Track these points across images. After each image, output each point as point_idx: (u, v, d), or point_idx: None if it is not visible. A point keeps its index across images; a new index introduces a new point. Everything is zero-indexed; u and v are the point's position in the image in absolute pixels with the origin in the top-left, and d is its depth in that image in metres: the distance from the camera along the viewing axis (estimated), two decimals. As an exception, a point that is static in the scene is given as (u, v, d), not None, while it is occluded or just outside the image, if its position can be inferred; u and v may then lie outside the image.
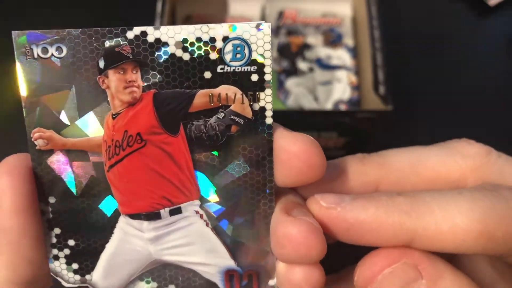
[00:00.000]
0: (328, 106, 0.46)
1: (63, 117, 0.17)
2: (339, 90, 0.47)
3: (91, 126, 0.17)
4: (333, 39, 0.49)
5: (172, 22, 0.49)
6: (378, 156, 0.20)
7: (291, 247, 0.17)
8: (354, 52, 0.48)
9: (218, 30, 0.16)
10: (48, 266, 0.18)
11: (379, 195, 0.17)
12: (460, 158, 0.19)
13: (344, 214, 0.17)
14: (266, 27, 0.16)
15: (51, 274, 0.18)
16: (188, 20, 0.50)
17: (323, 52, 0.48)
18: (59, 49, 0.16)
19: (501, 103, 0.52)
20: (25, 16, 0.56)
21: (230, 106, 0.17)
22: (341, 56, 0.48)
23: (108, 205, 0.18)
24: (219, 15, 0.50)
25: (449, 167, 0.18)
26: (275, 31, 0.49)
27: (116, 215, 0.18)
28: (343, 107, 0.46)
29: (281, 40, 0.49)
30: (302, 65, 0.48)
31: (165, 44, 0.16)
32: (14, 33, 0.16)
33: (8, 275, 0.17)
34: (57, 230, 0.18)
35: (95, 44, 0.16)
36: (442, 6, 0.56)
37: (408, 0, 0.56)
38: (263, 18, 0.49)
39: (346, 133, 0.43)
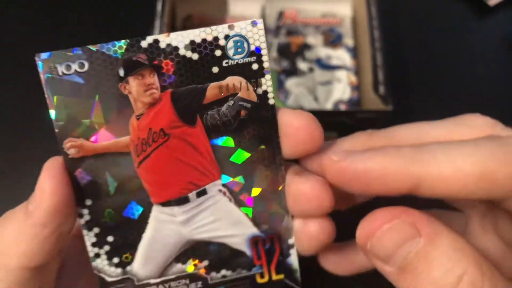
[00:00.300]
0: (328, 106, 0.46)
1: (91, 125, 0.19)
2: (339, 90, 0.47)
3: (118, 129, 0.19)
4: (333, 39, 0.49)
5: (172, 22, 0.49)
6: (386, 131, 0.22)
7: (305, 200, 0.20)
8: (354, 52, 0.48)
9: (219, 31, 0.19)
10: (62, 253, 0.20)
11: (387, 147, 0.18)
12: (466, 129, 0.20)
13: (353, 164, 0.18)
14: (260, 23, 0.19)
15: (94, 272, 0.20)
16: (188, 20, 0.50)
17: (323, 52, 0.48)
18: (80, 65, 0.18)
19: (501, 103, 0.52)
20: (29, 16, 0.55)
21: (237, 94, 0.19)
22: (341, 56, 0.48)
23: (141, 198, 0.20)
24: (219, 15, 0.50)
25: (454, 137, 0.19)
26: (275, 31, 0.49)
27: (149, 206, 0.20)
28: (343, 107, 0.46)
29: (281, 40, 0.49)
30: (302, 65, 0.48)
31: (176, 48, 0.19)
32: (38, 55, 0.18)
33: (22, 262, 0.18)
34: (96, 230, 0.20)
35: (113, 56, 0.18)
36: (441, 6, 0.56)
37: (407, 0, 0.56)
38: (263, 18, 0.49)
39: (346, 133, 0.43)
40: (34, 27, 0.55)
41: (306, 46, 0.50)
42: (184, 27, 0.50)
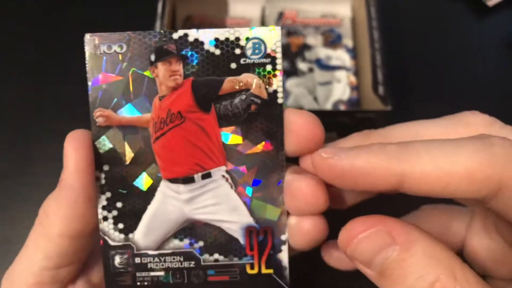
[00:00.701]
0: (328, 106, 0.46)
1: (121, 99, 0.22)
2: (338, 91, 0.47)
3: (143, 106, 0.22)
4: (332, 39, 0.49)
5: (173, 22, 0.50)
6: (382, 130, 0.23)
7: (301, 197, 0.21)
8: (354, 52, 0.49)
9: (241, 32, 0.22)
10: (94, 225, 0.22)
11: (373, 145, 0.19)
12: (462, 127, 0.21)
13: (340, 161, 0.19)
14: (277, 29, 0.22)
15: (100, 233, 0.22)
16: (188, 20, 0.50)
17: (322, 52, 0.49)
18: (120, 46, 0.21)
19: (500, 103, 0.53)
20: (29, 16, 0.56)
21: (250, 89, 0.22)
22: (340, 56, 0.49)
23: (152, 172, 0.22)
24: (219, 16, 0.50)
25: (450, 136, 0.20)
26: (275, 32, 0.49)
27: (158, 180, 0.22)
28: (342, 107, 0.46)
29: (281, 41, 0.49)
30: (301, 65, 0.48)
31: (202, 42, 0.21)
32: (87, 35, 0.22)
33: (61, 228, 0.21)
34: (108, 194, 0.22)
35: (148, 43, 0.21)
36: (441, 7, 0.57)
37: (407, 1, 0.57)
38: (263, 18, 0.50)
39: (345, 133, 0.43)
40: (35, 26, 0.56)
41: (305, 47, 0.50)
42: (184, 28, 0.50)
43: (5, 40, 0.54)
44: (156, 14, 0.44)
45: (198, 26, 0.51)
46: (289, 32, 0.51)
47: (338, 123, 0.41)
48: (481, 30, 0.56)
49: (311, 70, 0.49)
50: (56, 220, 0.21)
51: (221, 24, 0.51)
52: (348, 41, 0.51)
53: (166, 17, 0.44)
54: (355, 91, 0.48)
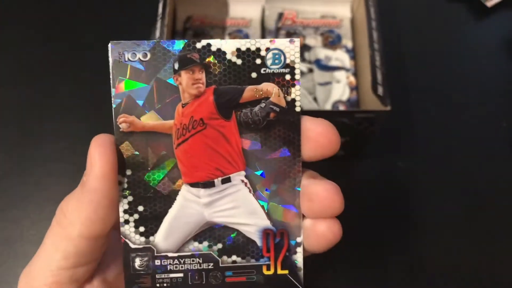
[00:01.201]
0: (327, 106, 0.47)
1: (144, 106, 0.22)
2: (338, 91, 0.48)
3: (165, 113, 0.23)
4: (332, 40, 0.49)
5: (173, 23, 0.50)
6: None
7: (319, 201, 0.22)
8: (353, 53, 0.49)
9: (262, 43, 0.22)
10: (112, 226, 0.23)
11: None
12: None
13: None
14: (297, 41, 0.23)
15: (121, 236, 0.23)
16: (189, 21, 0.50)
17: (322, 53, 0.49)
18: (144, 55, 0.22)
19: (499, 103, 0.53)
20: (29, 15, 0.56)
21: (269, 98, 0.23)
22: (340, 57, 0.49)
23: (173, 176, 0.23)
24: (219, 16, 0.51)
25: None
26: (275, 32, 0.50)
27: (179, 184, 0.23)
28: (342, 108, 0.46)
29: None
30: (301, 66, 0.48)
31: (224, 52, 0.22)
32: (111, 43, 0.22)
33: (81, 229, 0.21)
34: (130, 198, 0.23)
35: (171, 52, 0.22)
36: (440, 8, 0.57)
37: (406, 2, 0.57)
38: (263, 19, 0.50)
39: (345, 133, 0.44)
40: (35, 26, 0.56)
41: (305, 47, 0.51)
42: (185, 28, 0.51)
43: (5, 40, 0.54)
44: (157, 14, 0.44)
45: (198, 27, 0.51)
46: (288, 33, 0.51)
47: (337, 123, 0.41)
48: (480, 31, 0.57)
49: (310, 70, 0.50)
50: (76, 221, 0.21)
51: (221, 25, 0.51)
52: (347, 42, 0.51)
53: (167, 18, 0.44)
54: (355, 92, 0.48)
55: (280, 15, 0.52)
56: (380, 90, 0.41)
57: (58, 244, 0.22)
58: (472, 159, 0.49)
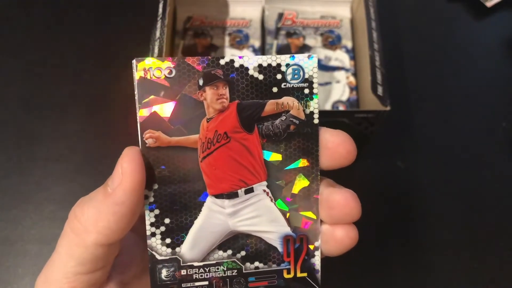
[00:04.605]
0: (327, 106, 0.47)
1: (170, 121, 0.23)
2: (338, 91, 0.48)
3: (191, 128, 0.23)
4: (332, 40, 0.50)
5: (173, 23, 0.50)
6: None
7: (338, 208, 0.24)
8: (353, 53, 0.49)
9: (282, 59, 0.23)
10: (128, 231, 0.23)
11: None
12: None
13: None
14: (315, 57, 0.24)
15: (148, 249, 0.24)
16: (189, 21, 0.50)
17: (322, 53, 0.49)
18: (169, 71, 0.23)
19: (499, 103, 0.53)
20: (29, 14, 0.56)
21: (289, 111, 0.24)
22: (339, 57, 0.49)
23: (199, 189, 0.24)
24: (219, 17, 0.51)
25: None
26: (275, 33, 0.50)
27: (204, 196, 0.24)
28: (341, 108, 0.46)
29: (281, 42, 0.49)
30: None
31: (247, 68, 0.23)
32: (135, 60, 0.23)
33: (98, 238, 0.22)
34: (156, 211, 0.24)
35: (196, 68, 0.23)
36: (439, 8, 0.57)
37: (405, 2, 0.57)
38: (263, 19, 0.50)
39: (345, 133, 0.43)
40: (35, 26, 0.56)
41: (305, 47, 0.51)
42: (185, 28, 0.51)
43: (5, 40, 0.54)
44: (157, 14, 0.44)
45: (198, 27, 0.51)
46: (288, 33, 0.51)
47: (337, 123, 0.41)
48: (480, 31, 0.57)
49: (310, 70, 0.49)
50: (92, 229, 0.22)
51: (221, 25, 0.51)
52: (347, 42, 0.51)
53: (167, 18, 0.44)
54: (354, 92, 0.49)
55: (280, 15, 0.52)
56: (379, 90, 0.42)
57: (73, 251, 0.22)
58: (472, 159, 0.49)
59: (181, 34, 0.51)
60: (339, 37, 0.52)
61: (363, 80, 0.48)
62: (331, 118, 0.42)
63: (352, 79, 0.50)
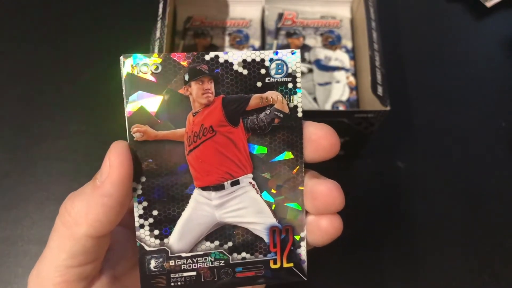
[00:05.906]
0: (327, 106, 0.47)
1: (156, 116, 0.24)
2: (338, 91, 0.48)
3: (177, 122, 0.24)
4: (332, 40, 0.50)
5: (173, 23, 0.50)
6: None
7: (322, 198, 0.24)
8: (353, 53, 0.49)
9: (266, 54, 0.24)
10: (118, 223, 0.24)
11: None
12: None
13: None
14: (297, 52, 0.24)
15: (137, 240, 0.25)
16: (189, 21, 0.50)
17: (322, 53, 0.49)
18: (156, 67, 0.23)
19: (498, 103, 0.53)
20: (29, 14, 0.56)
21: (274, 105, 0.24)
22: (339, 57, 0.49)
23: (186, 181, 0.24)
24: (219, 17, 0.51)
25: None
26: (275, 33, 0.50)
27: (191, 189, 0.25)
28: (341, 108, 0.46)
29: (281, 42, 0.49)
30: (301, 66, 0.48)
31: (231, 63, 0.24)
32: (122, 57, 0.23)
33: (88, 230, 0.22)
34: (144, 203, 0.24)
35: (181, 64, 0.24)
36: (439, 8, 0.57)
37: (405, 2, 0.57)
38: (263, 19, 0.50)
39: (344, 133, 0.44)
40: (35, 26, 0.56)
41: (305, 47, 0.51)
42: (185, 28, 0.51)
43: (5, 41, 0.54)
44: (157, 14, 0.44)
45: (198, 27, 0.51)
46: (288, 33, 0.51)
47: (337, 123, 0.41)
48: (480, 31, 0.57)
49: (310, 70, 0.50)
50: (82, 221, 0.22)
51: (221, 25, 0.51)
52: (347, 42, 0.51)
53: (167, 18, 0.44)
54: (354, 92, 0.49)
55: (280, 16, 0.52)
56: (379, 90, 0.42)
57: (64, 244, 0.23)
58: (471, 159, 0.49)
59: (181, 34, 0.52)
60: (339, 37, 0.52)
61: (363, 80, 0.48)
62: (331, 118, 0.42)
63: (352, 79, 0.50)
